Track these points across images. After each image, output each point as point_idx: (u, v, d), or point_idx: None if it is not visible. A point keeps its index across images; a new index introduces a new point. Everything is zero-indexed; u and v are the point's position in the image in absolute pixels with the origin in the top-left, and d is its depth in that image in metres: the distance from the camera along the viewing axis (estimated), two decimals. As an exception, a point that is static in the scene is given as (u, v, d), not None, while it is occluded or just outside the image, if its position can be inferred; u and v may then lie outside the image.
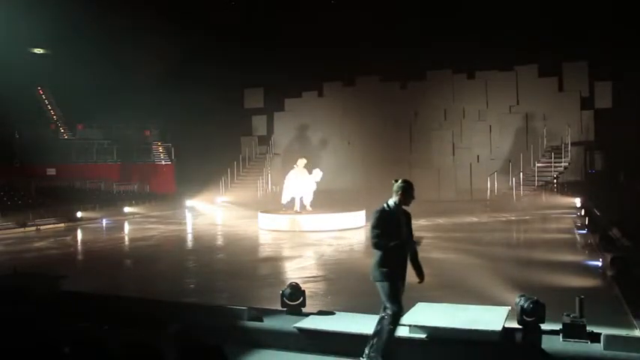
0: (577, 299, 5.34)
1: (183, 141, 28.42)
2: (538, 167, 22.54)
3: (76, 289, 7.92)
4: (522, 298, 5.52)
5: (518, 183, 21.91)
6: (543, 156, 23.04)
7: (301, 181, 16.65)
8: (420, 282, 5.16)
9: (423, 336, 5.42)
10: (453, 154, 25.60)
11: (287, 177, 17.00)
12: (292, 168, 17.26)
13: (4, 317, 5.53)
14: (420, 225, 16.76)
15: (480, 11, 22.11)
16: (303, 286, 6.54)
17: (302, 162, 17.04)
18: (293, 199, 16.84)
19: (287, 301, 6.41)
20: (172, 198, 25.85)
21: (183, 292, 8.90)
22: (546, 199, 20.50)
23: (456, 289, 8.04)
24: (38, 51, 28.24)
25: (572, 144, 22.36)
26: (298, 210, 16.68)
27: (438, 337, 5.36)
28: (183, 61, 24.93)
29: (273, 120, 29.33)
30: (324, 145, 26.98)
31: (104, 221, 19.86)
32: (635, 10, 19.70)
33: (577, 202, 18.81)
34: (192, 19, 23.78)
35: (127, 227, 18.99)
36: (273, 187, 25.41)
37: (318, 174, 16.60)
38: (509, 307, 5.75)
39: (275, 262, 11.87)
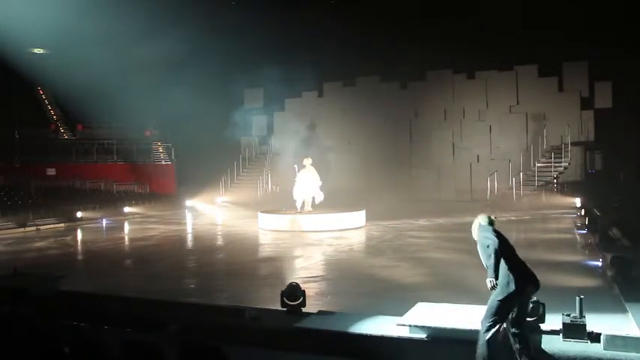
0: (577, 299, 5.34)
1: (183, 141, 28.41)
2: (538, 167, 22.55)
3: (76, 289, 7.92)
4: (522, 298, 5.53)
5: (518, 183, 21.92)
6: (543, 156, 23.04)
7: (311, 180, 16.72)
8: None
9: (423, 336, 5.42)
10: (453, 154, 25.59)
11: (298, 179, 16.99)
12: (294, 168, 17.29)
13: (4, 317, 5.53)
14: (420, 225, 16.80)
15: (480, 11, 22.12)
16: (303, 286, 6.53)
17: (308, 161, 17.09)
18: (304, 200, 16.88)
19: (287, 301, 6.40)
20: (172, 198, 25.87)
21: (183, 292, 8.89)
22: (546, 199, 20.51)
23: (456, 289, 8.04)
24: (38, 51, 28.25)
25: (572, 144, 22.37)
26: (299, 210, 16.69)
27: (438, 337, 5.36)
28: (184, 61, 24.91)
29: (273, 120, 29.35)
30: (324, 145, 26.97)
31: (104, 221, 19.84)
32: (635, 10, 19.71)
33: (577, 202, 18.81)
34: (192, 19, 23.74)
35: (127, 227, 18.98)
36: (273, 187, 25.42)
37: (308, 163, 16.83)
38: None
39: (275, 262, 11.86)
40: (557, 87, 24.28)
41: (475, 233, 5.09)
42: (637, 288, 7.23)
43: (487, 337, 4.65)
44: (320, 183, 16.86)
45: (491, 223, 5.07)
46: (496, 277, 4.74)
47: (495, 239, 4.79)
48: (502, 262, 4.75)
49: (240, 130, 27.99)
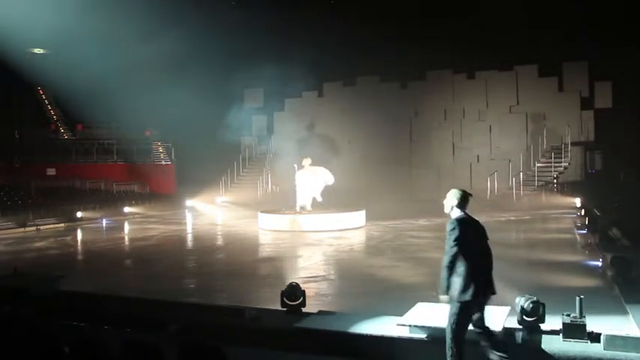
0: (577, 299, 5.34)
1: (183, 141, 28.41)
2: (538, 167, 22.55)
3: (76, 289, 7.92)
4: (522, 298, 5.52)
5: (518, 183, 21.92)
6: (543, 156, 23.05)
7: (311, 180, 16.72)
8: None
9: (423, 336, 5.42)
10: (453, 154, 25.60)
11: (297, 179, 16.99)
12: (294, 169, 17.28)
13: (4, 317, 5.53)
14: (420, 225, 16.80)
15: (480, 11, 22.12)
16: (303, 286, 6.53)
17: (307, 161, 17.09)
18: (309, 200, 16.88)
19: (287, 301, 6.40)
20: (172, 198, 25.85)
21: (183, 292, 8.90)
22: (546, 199, 20.50)
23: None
24: (38, 51, 28.24)
25: (572, 144, 22.37)
26: (298, 210, 16.70)
27: (438, 337, 5.35)
28: (184, 61, 24.93)
29: (273, 120, 29.35)
30: (324, 145, 26.98)
31: (104, 221, 19.85)
32: (635, 10, 19.71)
33: (577, 202, 18.80)
34: (192, 19, 23.76)
35: (127, 227, 18.98)
36: (273, 187, 25.42)
37: (329, 177, 16.75)
38: (509, 307, 5.75)
39: (275, 262, 11.86)
40: (557, 87, 24.28)
41: (447, 208, 4.85)
42: (637, 288, 7.23)
43: (451, 353, 4.57)
44: (325, 180, 16.81)
45: (464, 200, 4.76)
46: (447, 288, 4.60)
47: (454, 250, 4.56)
48: (463, 263, 4.59)
49: (240, 130, 28.04)
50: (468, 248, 4.63)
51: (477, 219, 4.86)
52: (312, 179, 16.79)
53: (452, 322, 4.63)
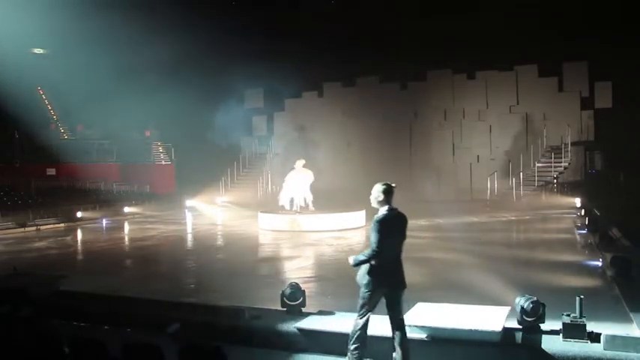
0: (577, 299, 5.34)
1: (183, 141, 28.41)
2: (538, 167, 22.56)
3: (76, 289, 7.92)
4: (522, 298, 5.52)
5: (518, 183, 21.92)
6: (543, 156, 23.05)
7: (300, 181, 16.72)
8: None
9: (423, 336, 5.41)
10: (453, 154, 25.61)
11: (286, 178, 17.04)
12: (292, 169, 17.29)
13: (4, 317, 5.54)
14: (420, 225, 16.79)
15: (480, 11, 22.12)
16: (303, 286, 6.53)
17: (300, 163, 17.09)
18: (292, 200, 16.88)
19: (287, 301, 6.40)
20: (172, 198, 25.82)
21: (183, 292, 8.89)
22: (546, 199, 20.51)
23: (456, 289, 8.04)
24: (38, 51, 28.22)
25: (572, 144, 22.38)
26: (298, 210, 16.70)
27: (438, 337, 5.36)
28: (184, 61, 24.93)
29: (273, 120, 29.36)
30: (324, 145, 26.99)
31: (104, 221, 19.83)
32: (635, 10, 19.71)
33: (577, 202, 18.80)
34: (192, 20, 23.77)
35: (127, 227, 18.97)
36: (273, 187, 25.42)
37: (310, 175, 16.78)
38: (509, 307, 5.75)
39: (275, 262, 11.87)
40: (557, 87, 24.30)
41: (373, 202, 5.01)
42: (637, 288, 7.23)
43: (358, 327, 4.83)
44: (310, 182, 16.81)
45: (388, 193, 4.92)
46: (357, 264, 4.91)
47: (376, 250, 4.80)
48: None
49: (240, 130, 28.04)
50: (385, 244, 4.83)
51: (402, 213, 5.01)
52: (300, 181, 16.77)
53: (360, 312, 4.84)
